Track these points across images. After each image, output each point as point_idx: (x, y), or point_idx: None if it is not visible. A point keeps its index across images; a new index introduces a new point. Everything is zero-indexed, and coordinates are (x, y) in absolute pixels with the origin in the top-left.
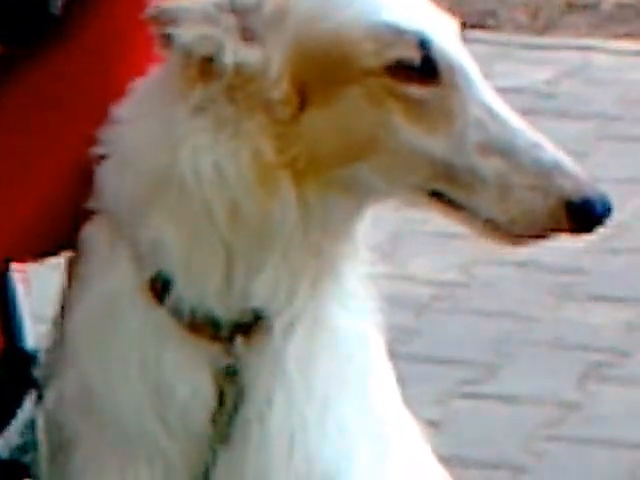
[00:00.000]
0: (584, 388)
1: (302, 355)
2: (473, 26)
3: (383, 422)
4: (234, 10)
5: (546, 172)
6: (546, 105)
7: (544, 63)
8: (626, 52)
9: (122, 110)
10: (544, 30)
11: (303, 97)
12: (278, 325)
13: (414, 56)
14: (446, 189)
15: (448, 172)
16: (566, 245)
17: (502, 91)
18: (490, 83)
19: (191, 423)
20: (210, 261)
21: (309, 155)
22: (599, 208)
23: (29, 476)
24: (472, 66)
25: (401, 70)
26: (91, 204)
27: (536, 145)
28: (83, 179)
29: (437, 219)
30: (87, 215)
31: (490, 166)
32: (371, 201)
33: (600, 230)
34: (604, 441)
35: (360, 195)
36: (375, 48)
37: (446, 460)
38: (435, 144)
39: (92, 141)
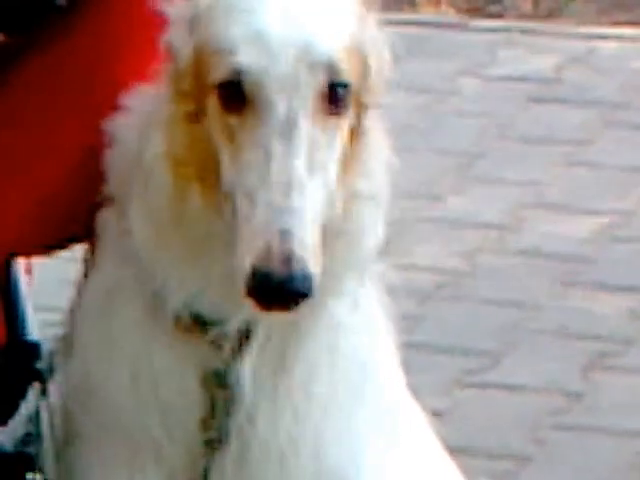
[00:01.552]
0: (589, 377)
1: (302, 352)
2: (477, 13)
3: (390, 412)
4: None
5: (265, 229)
6: (550, 92)
7: (548, 50)
8: (631, 39)
9: (130, 100)
10: (548, 17)
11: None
12: (277, 321)
13: (233, 81)
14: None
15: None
16: (571, 233)
17: (506, 78)
18: (495, 71)
19: (184, 424)
20: (181, 258)
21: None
22: (276, 283)
23: (34, 469)
24: (279, 107)
25: (225, 92)
26: (104, 191)
27: (271, 205)
28: (88, 170)
29: (441, 207)
30: (96, 206)
31: (239, 208)
32: None
33: (604, 219)
34: (609, 430)
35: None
36: (214, 64)
37: (450, 449)
38: (229, 173)
39: (95, 132)
